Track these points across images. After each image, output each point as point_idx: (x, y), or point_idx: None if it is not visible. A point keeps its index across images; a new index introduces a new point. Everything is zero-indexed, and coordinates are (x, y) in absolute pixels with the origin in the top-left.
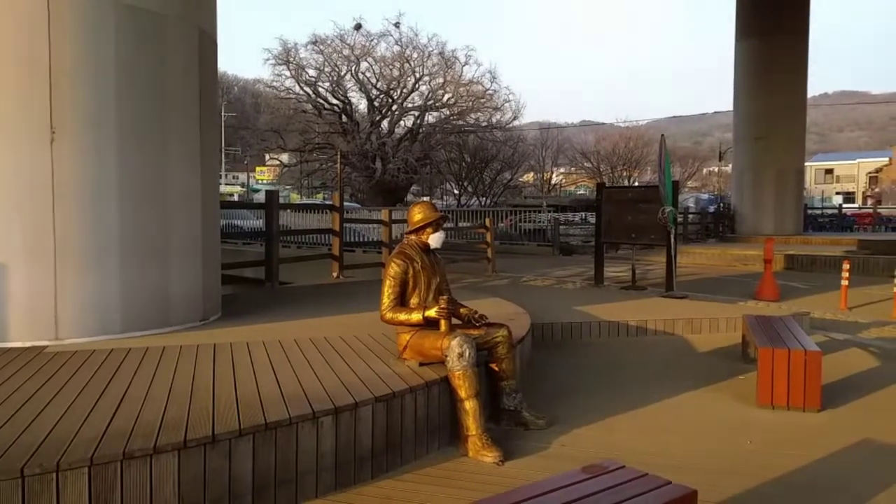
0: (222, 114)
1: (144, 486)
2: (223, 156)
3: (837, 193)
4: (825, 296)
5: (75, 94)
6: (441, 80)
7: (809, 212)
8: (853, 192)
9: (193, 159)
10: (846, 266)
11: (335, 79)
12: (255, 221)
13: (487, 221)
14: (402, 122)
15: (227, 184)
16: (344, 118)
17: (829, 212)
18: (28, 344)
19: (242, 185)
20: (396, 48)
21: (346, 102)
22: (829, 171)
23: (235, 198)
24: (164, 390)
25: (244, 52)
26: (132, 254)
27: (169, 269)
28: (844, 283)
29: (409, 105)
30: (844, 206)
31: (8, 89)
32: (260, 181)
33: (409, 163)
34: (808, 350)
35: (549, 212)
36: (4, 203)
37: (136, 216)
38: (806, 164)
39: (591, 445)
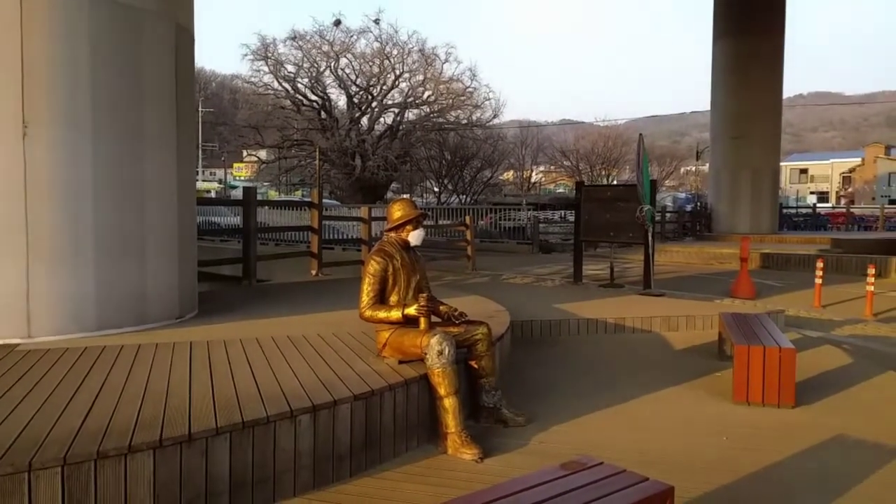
0: (199, 109)
1: (119, 486)
2: (200, 152)
3: (812, 193)
4: (799, 294)
5: (49, 89)
6: (421, 78)
7: (784, 211)
8: (827, 192)
9: (170, 155)
10: (820, 265)
11: (314, 75)
12: (232, 218)
13: (467, 219)
14: (381, 119)
15: (204, 180)
16: (323, 115)
17: (804, 211)
18: None
19: (220, 182)
20: (376, 45)
21: (326, 99)
22: (804, 171)
23: (212, 194)
24: (140, 389)
25: (222, 47)
26: (107, 251)
27: (145, 266)
28: (818, 281)
29: (389, 102)
30: (818, 205)
31: None
32: (237, 177)
33: (389, 160)
34: (783, 347)
35: (529, 210)
36: None
37: (111, 212)
38: (781, 163)
39: (570, 442)
